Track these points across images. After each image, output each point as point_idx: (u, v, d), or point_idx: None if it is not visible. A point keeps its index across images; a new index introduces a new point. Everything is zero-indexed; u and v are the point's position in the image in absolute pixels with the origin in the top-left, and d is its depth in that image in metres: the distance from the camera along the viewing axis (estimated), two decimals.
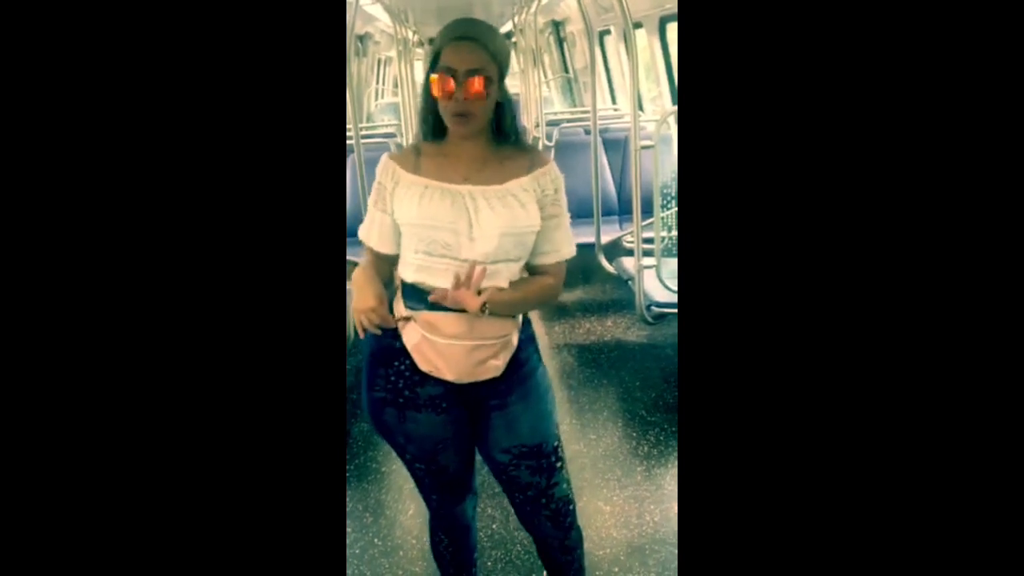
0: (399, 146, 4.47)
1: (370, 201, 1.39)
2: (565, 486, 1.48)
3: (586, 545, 2.07)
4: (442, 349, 1.33)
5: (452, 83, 1.26)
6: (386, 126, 5.78)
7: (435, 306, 1.31)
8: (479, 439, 1.47)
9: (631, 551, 2.04)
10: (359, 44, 6.84)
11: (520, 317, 1.41)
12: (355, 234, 3.93)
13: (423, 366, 1.36)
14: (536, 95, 5.72)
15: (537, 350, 1.48)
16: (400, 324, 1.36)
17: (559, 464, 1.46)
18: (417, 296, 1.33)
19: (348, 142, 3.49)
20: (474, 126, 1.30)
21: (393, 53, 7.68)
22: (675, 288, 2.94)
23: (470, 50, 1.26)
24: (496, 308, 1.29)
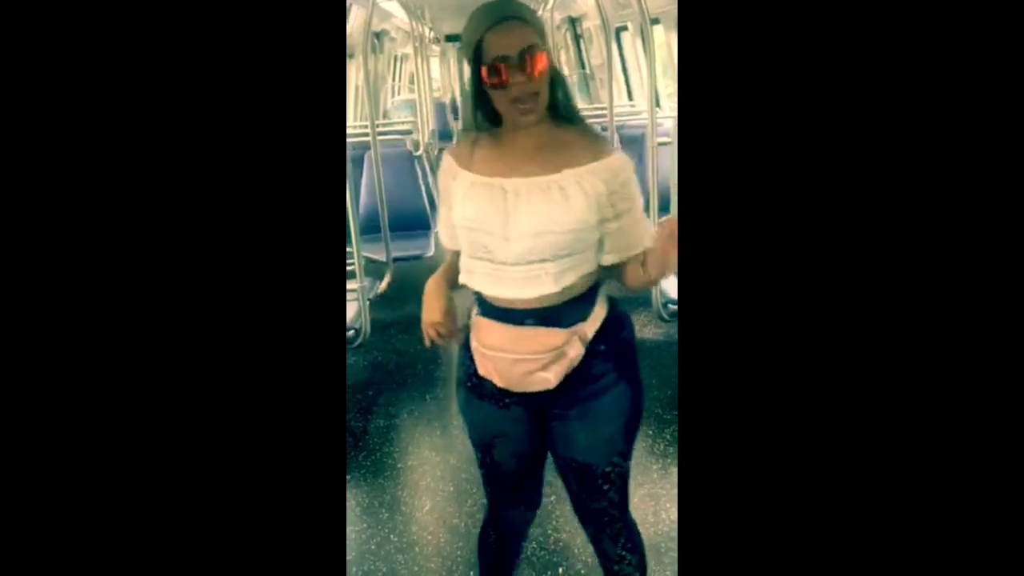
0: (415, 143, 4.47)
1: (440, 203, 1.37)
2: (606, 504, 1.41)
3: (576, 550, 2.08)
4: (487, 357, 1.31)
5: (506, 70, 1.16)
6: (402, 123, 5.79)
7: (485, 312, 1.31)
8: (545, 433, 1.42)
9: (648, 549, 2.03)
10: (375, 41, 6.85)
11: (586, 331, 1.29)
12: (369, 231, 3.91)
13: (481, 370, 1.35)
14: None
15: (625, 369, 1.34)
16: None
17: (607, 487, 1.38)
18: (477, 298, 1.33)
19: (365, 139, 3.49)
20: (540, 108, 1.20)
21: (409, 50, 7.69)
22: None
23: (518, 29, 1.17)
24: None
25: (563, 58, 7.91)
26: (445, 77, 11.80)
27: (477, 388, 1.38)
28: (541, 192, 1.22)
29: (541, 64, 1.17)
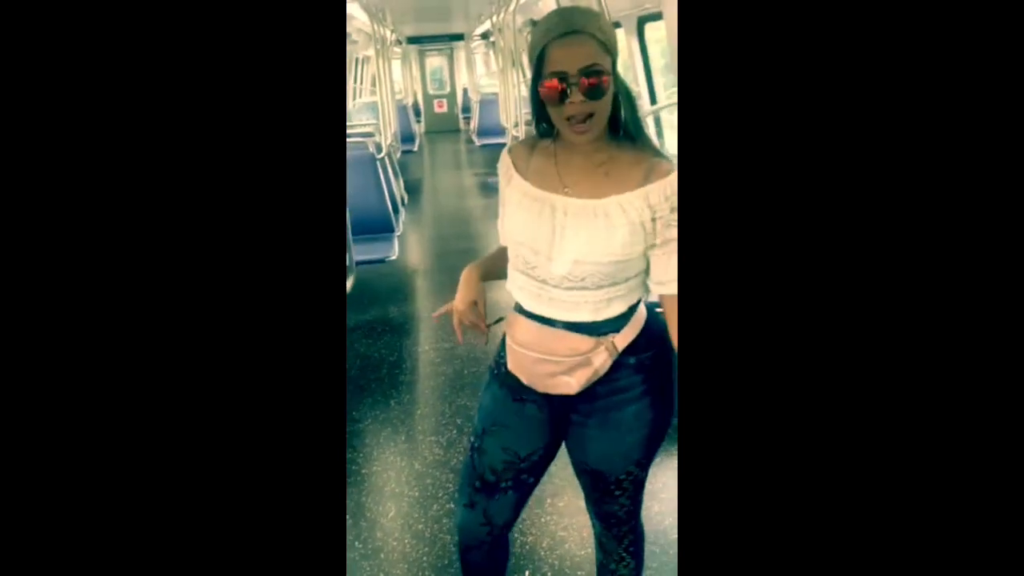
0: (377, 145, 4.44)
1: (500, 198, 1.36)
2: (616, 508, 1.39)
3: (568, 545, 2.08)
4: (516, 353, 1.32)
5: (564, 88, 1.12)
6: (364, 125, 5.74)
7: (521, 309, 1.30)
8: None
9: None
10: None
11: (616, 343, 1.26)
12: None
13: (510, 365, 1.35)
14: (515, 95, 5.71)
15: (653, 383, 1.30)
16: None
17: (619, 493, 1.37)
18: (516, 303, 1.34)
19: None
20: (596, 128, 1.16)
21: (371, 52, 7.64)
22: None
23: (580, 45, 1.12)
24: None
25: (524, 60, 7.92)
26: (407, 79, 11.74)
27: (500, 377, 1.38)
28: (586, 217, 1.19)
29: (600, 85, 1.13)
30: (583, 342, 1.24)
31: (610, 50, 1.15)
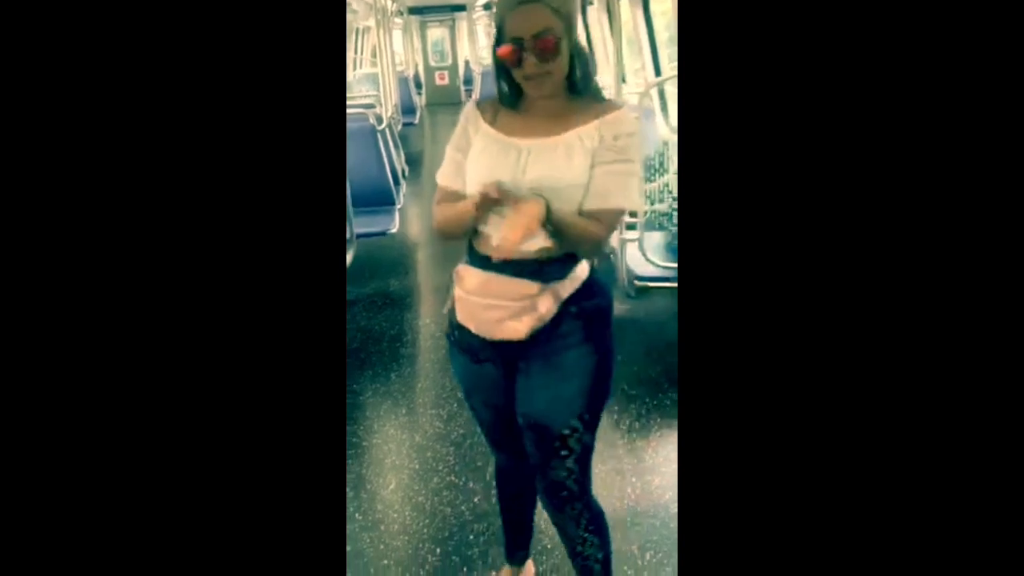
0: (378, 117, 4.40)
1: (449, 145, 1.42)
2: (564, 474, 1.42)
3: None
4: (465, 302, 1.38)
5: (519, 51, 1.26)
6: (364, 96, 5.69)
7: (471, 261, 1.37)
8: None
9: (613, 524, 2.03)
10: None
11: (560, 290, 1.34)
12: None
13: (459, 315, 1.42)
14: None
15: (592, 333, 1.38)
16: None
17: (564, 452, 1.40)
18: (469, 249, 1.40)
19: None
20: (550, 85, 1.29)
21: (371, 22, 7.54)
22: (657, 262, 2.93)
23: (534, 13, 1.25)
24: (551, 222, 1.22)
25: None
26: (408, 51, 11.62)
27: (457, 342, 1.46)
28: (548, 151, 1.31)
29: (551, 47, 1.25)
30: (529, 287, 1.31)
31: (563, 16, 1.27)
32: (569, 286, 1.35)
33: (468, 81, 13.19)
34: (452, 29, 13.82)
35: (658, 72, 4.55)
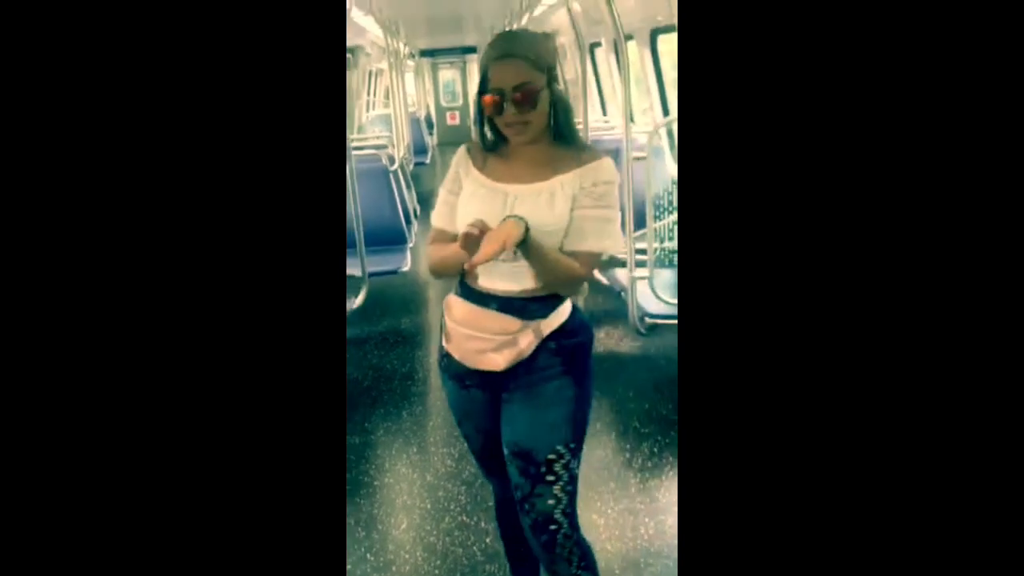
0: (390, 157, 4.46)
1: (442, 187, 1.50)
2: (552, 503, 1.43)
3: None
4: (450, 331, 1.46)
5: (501, 102, 1.34)
6: (377, 137, 5.77)
7: (460, 293, 1.45)
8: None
9: (626, 565, 2.03)
10: (350, 56, 6.84)
11: (541, 327, 1.40)
12: (352, 243, 3.87)
13: (445, 343, 1.49)
14: None
15: (571, 367, 1.44)
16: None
17: (550, 478, 1.42)
18: (459, 281, 1.47)
19: None
20: (530, 133, 1.37)
21: (384, 65, 7.69)
22: (668, 299, 2.94)
23: (513, 67, 1.34)
24: (528, 248, 1.29)
25: None
26: (420, 92, 11.79)
27: (446, 368, 1.53)
28: (532, 196, 1.38)
29: (529, 99, 1.34)
30: (512, 323, 1.39)
31: (543, 68, 1.36)
32: (551, 324, 1.42)
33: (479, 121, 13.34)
34: (463, 71, 14.05)
35: (666, 112, 4.61)
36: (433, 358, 3.64)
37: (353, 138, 5.33)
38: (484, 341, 1.41)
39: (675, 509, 2.24)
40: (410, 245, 4.30)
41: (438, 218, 1.50)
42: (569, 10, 3.72)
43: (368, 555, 2.13)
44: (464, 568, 2.05)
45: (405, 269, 3.97)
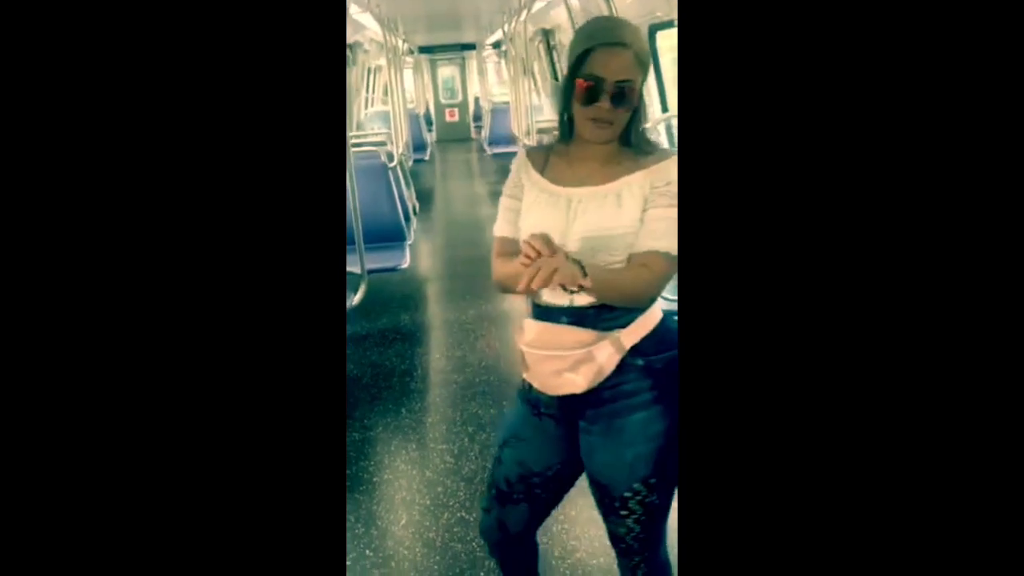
0: (389, 154, 4.46)
1: (503, 194, 1.40)
2: (623, 531, 1.34)
3: (579, 554, 2.08)
4: (527, 356, 1.33)
5: (596, 91, 1.21)
6: (376, 134, 5.77)
7: (532, 314, 1.33)
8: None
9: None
10: (349, 53, 6.84)
11: (622, 339, 1.25)
12: (351, 240, 3.85)
13: (524, 372, 1.37)
14: (526, 103, 5.72)
15: (664, 391, 1.27)
16: None
17: (624, 513, 1.32)
18: (530, 302, 1.35)
19: None
20: (611, 133, 1.26)
21: (383, 61, 7.69)
22: (668, 295, 2.93)
23: (620, 57, 1.21)
24: (592, 277, 1.13)
25: (536, 69, 7.95)
26: (419, 89, 11.77)
27: (524, 393, 1.41)
28: (597, 200, 1.26)
29: (630, 99, 1.22)
30: (586, 335, 1.25)
31: (643, 67, 1.24)
32: (633, 335, 1.26)
33: (478, 118, 13.37)
34: (462, 67, 14.04)
35: (664, 108, 4.61)
36: (432, 355, 3.64)
37: (351, 135, 5.33)
38: (558, 360, 1.27)
39: (675, 508, 2.25)
40: (409, 242, 4.30)
41: (500, 227, 1.39)
42: (567, 6, 3.71)
43: (367, 551, 2.13)
44: (463, 564, 2.06)
45: (404, 266, 3.97)
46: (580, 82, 1.22)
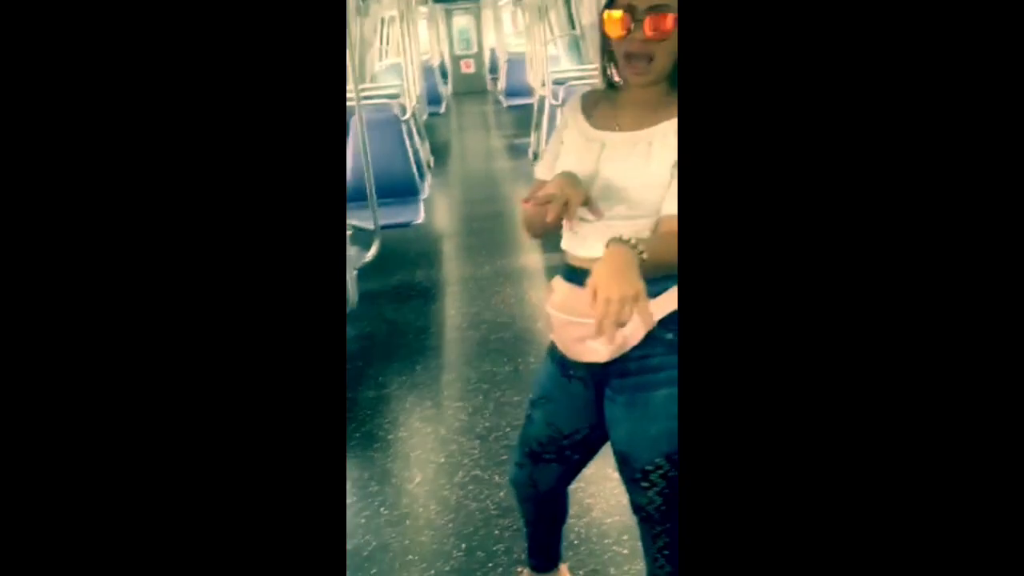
0: (402, 107, 4.38)
1: (552, 137, 1.32)
2: (644, 501, 1.29)
3: (594, 513, 2.06)
4: (553, 319, 1.26)
5: (630, 21, 1.09)
6: (389, 87, 5.67)
7: (564, 272, 1.25)
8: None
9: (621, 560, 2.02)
10: (360, 3, 6.69)
11: (656, 310, 1.12)
12: (355, 198, 3.84)
13: (551, 335, 1.31)
14: (543, 53, 5.58)
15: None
16: None
17: (645, 485, 1.26)
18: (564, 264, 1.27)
19: (350, 103, 3.41)
20: (653, 73, 1.13)
21: (395, 12, 7.53)
22: None
23: None
24: (646, 248, 1.00)
25: (552, 18, 7.76)
26: (434, 40, 11.57)
27: (552, 351, 1.35)
28: (627, 147, 1.16)
29: (663, 27, 1.08)
30: None
31: None
32: (662, 306, 1.16)
33: (494, 69, 13.14)
34: (478, 17, 13.76)
35: None
36: (447, 312, 3.62)
37: (364, 88, 5.23)
38: (582, 327, 1.19)
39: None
40: (423, 197, 4.24)
41: (539, 169, 1.30)
42: None
43: (382, 509, 2.14)
44: (477, 522, 2.06)
45: (418, 221, 3.92)
46: (609, 13, 1.11)
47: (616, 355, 1.21)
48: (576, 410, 1.35)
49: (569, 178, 1.12)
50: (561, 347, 1.29)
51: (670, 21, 1.08)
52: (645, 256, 0.99)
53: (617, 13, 1.11)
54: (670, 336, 1.18)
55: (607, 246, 1.01)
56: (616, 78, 1.24)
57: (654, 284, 1.14)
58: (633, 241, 1.00)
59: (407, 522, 2.08)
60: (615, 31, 1.12)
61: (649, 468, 1.25)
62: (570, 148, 1.24)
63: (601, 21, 1.15)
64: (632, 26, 1.10)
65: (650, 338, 1.18)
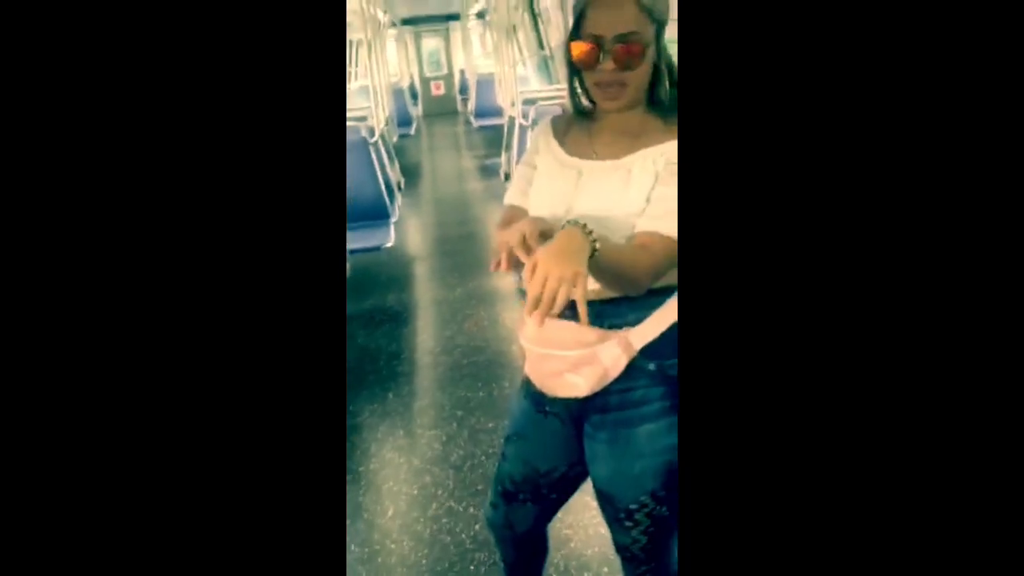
0: (370, 129, 4.32)
1: (521, 161, 1.26)
2: (628, 541, 1.23)
3: (573, 544, 2.00)
4: (526, 352, 1.20)
5: (596, 52, 1.05)
6: (357, 110, 5.62)
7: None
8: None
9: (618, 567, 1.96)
10: None
11: (630, 339, 1.09)
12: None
13: (525, 367, 1.25)
14: (512, 74, 5.58)
15: (671, 401, 1.12)
16: None
17: (628, 524, 1.20)
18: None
19: None
20: (626, 98, 1.09)
21: (363, 35, 7.50)
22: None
23: (619, 10, 1.04)
24: (600, 252, 0.93)
25: (521, 39, 7.79)
26: (403, 62, 11.56)
27: (525, 385, 1.28)
28: (605, 174, 1.11)
29: (633, 55, 1.05)
30: (589, 333, 1.09)
31: (654, 17, 1.06)
32: (644, 335, 1.10)
33: (464, 90, 13.15)
34: (447, 39, 13.80)
35: None
36: (419, 336, 3.55)
37: None
38: (558, 360, 1.12)
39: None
40: (394, 220, 4.18)
41: (510, 194, 1.23)
42: None
43: (352, 545, 2.05)
44: (452, 557, 1.98)
45: (389, 245, 3.85)
46: (576, 44, 1.07)
47: (596, 389, 1.14)
48: (553, 448, 1.27)
49: (530, 224, 1.01)
50: (537, 382, 1.22)
51: (637, 50, 1.05)
52: (598, 247, 0.93)
53: (583, 45, 1.07)
54: (652, 367, 1.12)
55: (562, 228, 0.95)
56: (586, 103, 1.19)
57: (633, 307, 1.10)
58: (588, 229, 0.94)
59: (379, 559, 2.00)
60: (582, 63, 1.09)
61: (634, 507, 1.18)
62: (544, 174, 1.19)
63: (567, 49, 1.11)
64: (600, 56, 1.06)
65: (632, 369, 1.12)
